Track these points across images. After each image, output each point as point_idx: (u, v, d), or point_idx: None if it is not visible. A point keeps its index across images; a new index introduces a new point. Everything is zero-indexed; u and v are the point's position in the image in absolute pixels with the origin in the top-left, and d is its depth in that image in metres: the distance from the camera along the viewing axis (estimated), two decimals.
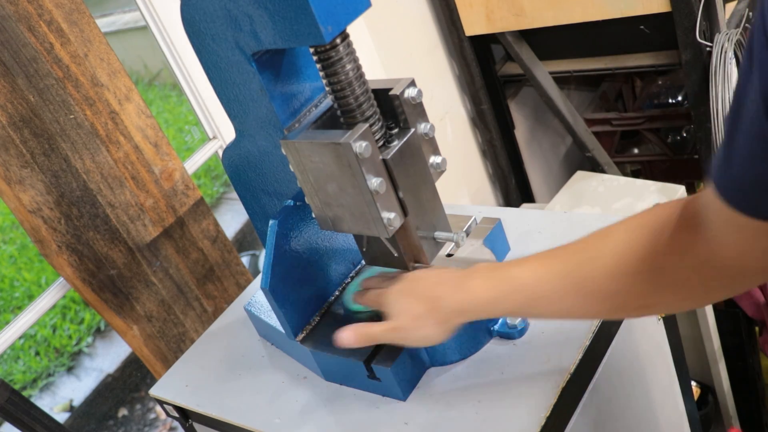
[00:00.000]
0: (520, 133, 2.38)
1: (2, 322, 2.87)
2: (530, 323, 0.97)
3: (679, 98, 2.32)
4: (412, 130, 0.89)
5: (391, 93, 0.88)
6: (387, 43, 2.00)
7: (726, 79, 1.72)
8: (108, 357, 3.48)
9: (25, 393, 2.88)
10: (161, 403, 1.15)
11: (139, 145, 1.41)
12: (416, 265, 0.96)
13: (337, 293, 1.09)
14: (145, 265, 1.44)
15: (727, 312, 2.04)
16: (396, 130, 0.90)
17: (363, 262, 1.13)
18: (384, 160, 0.86)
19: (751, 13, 1.93)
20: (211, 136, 1.67)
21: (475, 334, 0.96)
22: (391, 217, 0.87)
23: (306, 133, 0.89)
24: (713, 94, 1.73)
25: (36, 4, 1.26)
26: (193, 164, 1.60)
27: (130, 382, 3.34)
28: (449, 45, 2.19)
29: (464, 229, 0.96)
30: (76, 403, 3.30)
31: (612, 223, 0.77)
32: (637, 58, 2.00)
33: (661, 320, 1.10)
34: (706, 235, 0.68)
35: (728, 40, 1.71)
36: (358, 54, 0.86)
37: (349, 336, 0.91)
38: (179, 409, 1.13)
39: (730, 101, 0.58)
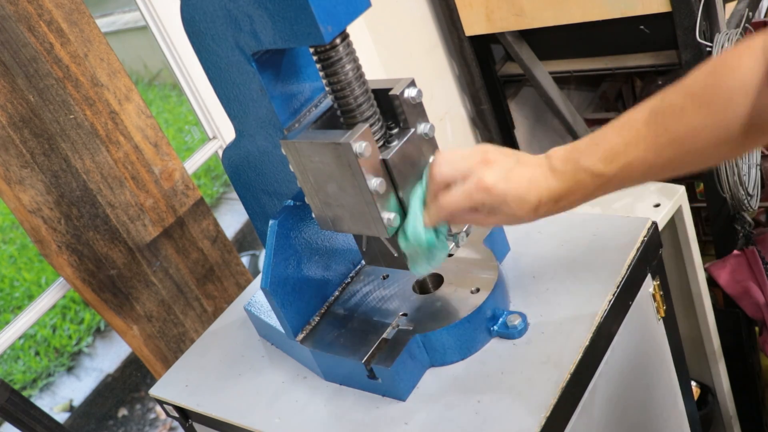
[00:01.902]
0: (520, 133, 2.38)
1: (2, 322, 2.87)
2: (530, 323, 0.97)
3: None
4: (412, 130, 0.89)
5: (391, 93, 0.88)
6: (387, 43, 2.00)
7: None
8: (108, 357, 3.48)
9: (25, 393, 2.88)
10: (161, 403, 1.15)
11: (139, 145, 1.41)
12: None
13: (337, 293, 1.10)
14: (145, 265, 1.44)
15: (727, 312, 2.04)
16: (396, 130, 0.90)
17: (363, 262, 1.13)
18: (384, 160, 0.86)
19: (751, 13, 1.93)
20: (211, 136, 1.67)
21: (475, 334, 0.96)
22: (391, 217, 0.87)
23: (306, 133, 0.89)
24: None
25: (36, 4, 1.26)
26: (193, 164, 1.60)
27: (130, 382, 3.34)
28: (449, 45, 2.19)
29: (464, 229, 0.96)
30: (76, 403, 3.30)
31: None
32: (637, 58, 2.00)
33: (661, 320, 1.10)
34: None
35: (728, 40, 1.71)
36: (358, 54, 0.86)
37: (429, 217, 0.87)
38: (179, 409, 1.13)
39: None
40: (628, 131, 0.78)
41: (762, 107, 0.72)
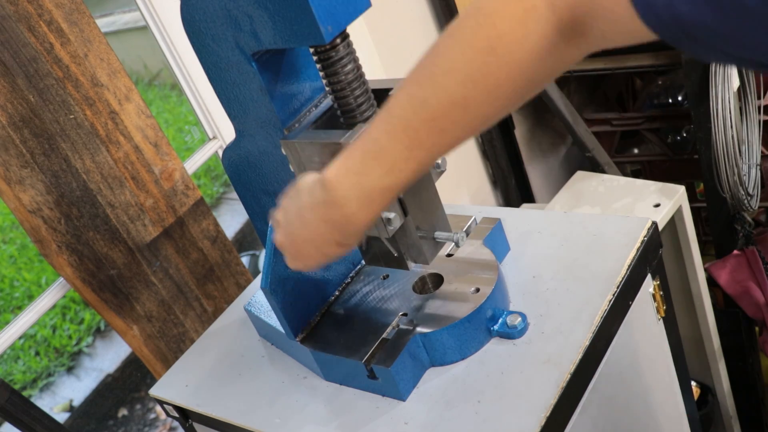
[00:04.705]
0: (520, 133, 2.38)
1: (2, 322, 2.87)
2: (530, 323, 0.97)
3: (679, 98, 2.32)
4: None
5: (391, 93, 0.88)
6: (387, 43, 2.00)
7: (726, 79, 1.72)
8: (108, 357, 3.48)
9: (25, 393, 2.88)
10: (161, 403, 1.15)
11: (139, 145, 1.41)
12: None
13: (337, 293, 1.10)
14: (145, 265, 1.44)
15: (727, 312, 2.04)
16: None
17: (363, 262, 1.13)
18: None
19: None
20: (211, 136, 1.67)
21: (475, 334, 0.96)
22: (391, 217, 0.87)
23: (306, 133, 0.89)
24: (713, 94, 1.73)
25: (36, 4, 1.26)
26: (193, 164, 1.60)
27: (130, 382, 3.34)
28: None
29: (464, 229, 0.96)
30: (76, 403, 3.30)
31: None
32: (637, 58, 2.00)
33: (661, 320, 1.10)
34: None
35: None
36: (358, 54, 0.86)
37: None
38: (179, 409, 1.13)
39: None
40: (407, 136, 0.70)
41: (539, 74, 0.68)
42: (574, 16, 0.65)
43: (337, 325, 1.04)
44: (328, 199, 0.74)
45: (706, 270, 1.96)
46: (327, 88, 0.87)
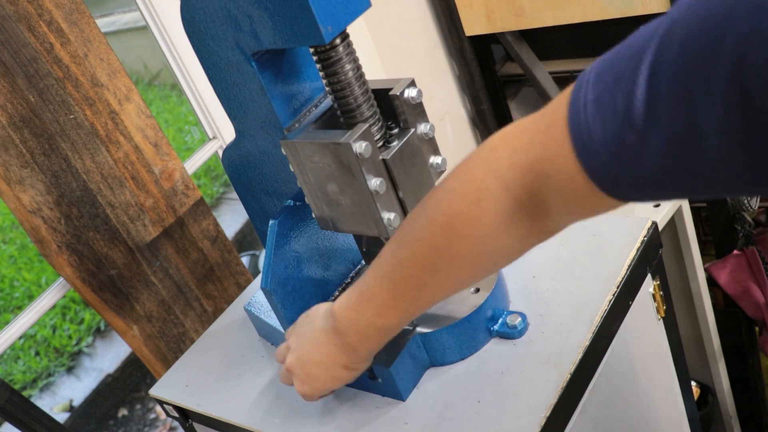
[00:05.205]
0: None
1: (2, 322, 2.87)
2: (530, 323, 0.97)
3: None
4: (412, 130, 0.90)
5: (391, 93, 0.88)
6: (387, 43, 2.00)
7: None
8: (108, 357, 3.48)
9: (25, 393, 2.88)
10: (161, 403, 1.15)
11: (139, 145, 1.41)
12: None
13: (337, 293, 1.09)
14: (145, 265, 1.44)
15: (727, 312, 2.04)
16: (396, 130, 0.90)
17: (363, 262, 1.13)
18: (384, 160, 0.86)
19: None
20: (211, 136, 1.67)
21: (475, 334, 0.96)
22: (391, 217, 0.87)
23: (306, 133, 0.89)
24: None
25: (36, 4, 1.26)
26: (193, 164, 1.60)
27: (130, 382, 3.34)
28: (449, 45, 2.19)
29: None
30: (76, 403, 3.30)
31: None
32: None
33: (661, 320, 1.10)
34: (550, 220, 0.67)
35: None
36: (358, 54, 0.86)
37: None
38: (179, 409, 1.13)
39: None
40: (390, 287, 0.77)
41: (501, 248, 0.70)
42: (532, 194, 0.65)
43: None
44: (335, 326, 0.83)
45: (706, 270, 1.96)
46: (327, 88, 0.87)
